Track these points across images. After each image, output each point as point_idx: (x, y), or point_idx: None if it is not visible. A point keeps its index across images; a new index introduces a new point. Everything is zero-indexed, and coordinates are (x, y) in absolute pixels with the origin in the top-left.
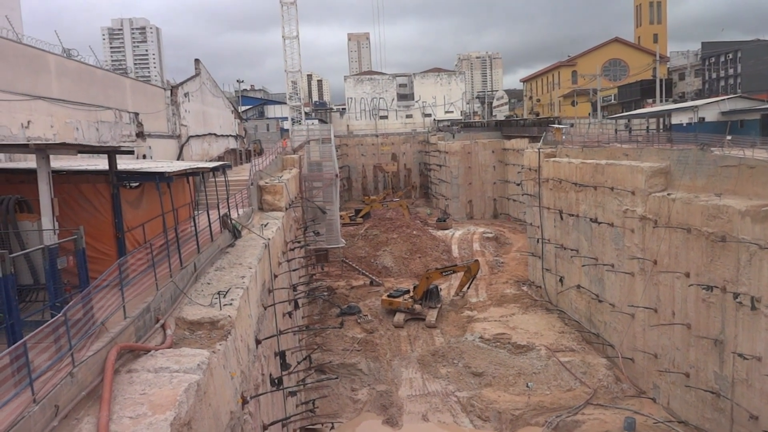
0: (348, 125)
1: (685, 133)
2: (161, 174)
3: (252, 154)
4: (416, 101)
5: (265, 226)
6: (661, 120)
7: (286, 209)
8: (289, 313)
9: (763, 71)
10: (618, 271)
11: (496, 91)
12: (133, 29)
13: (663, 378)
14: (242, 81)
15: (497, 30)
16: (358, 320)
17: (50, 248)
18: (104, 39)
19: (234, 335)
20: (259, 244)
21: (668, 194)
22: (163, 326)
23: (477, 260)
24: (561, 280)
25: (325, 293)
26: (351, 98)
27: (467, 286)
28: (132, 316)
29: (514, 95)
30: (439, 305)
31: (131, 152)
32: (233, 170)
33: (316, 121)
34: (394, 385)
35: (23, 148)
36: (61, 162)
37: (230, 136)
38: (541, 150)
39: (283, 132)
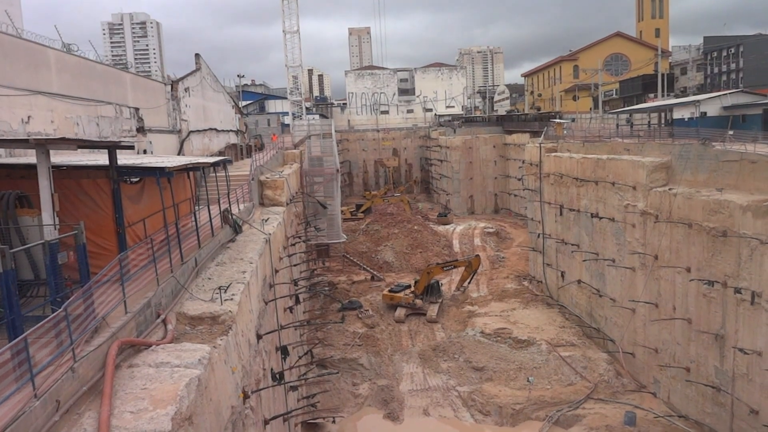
0: (349, 120)
1: (686, 128)
2: (162, 169)
3: (253, 149)
4: (417, 96)
5: (266, 221)
6: (663, 115)
7: (287, 204)
8: (290, 308)
9: (765, 66)
10: (619, 266)
11: (498, 85)
12: (133, 24)
13: (663, 373)
14: (243, 76)
15: (504, 23)
16: (359, 315)
17: (51, 243)
18: (104, 34)
19: (235, 330)
20: (260, 239)
21: (669, 189)
22: (164, 321)
23: (478, 255)
24: (562, 275)
25: (326, 288)
26: (352, 93)
27: (468, 281)
28: (133, 311)
29: (516, 90)
30: (440, 300)
31: (132, 147)
32: (234, 165)
33: (317, 116)
34: (395, 379)
35: (23, 143)
36: (61, 157)
37: (231, 131)
38: (542, 145)
39: (284, 127)
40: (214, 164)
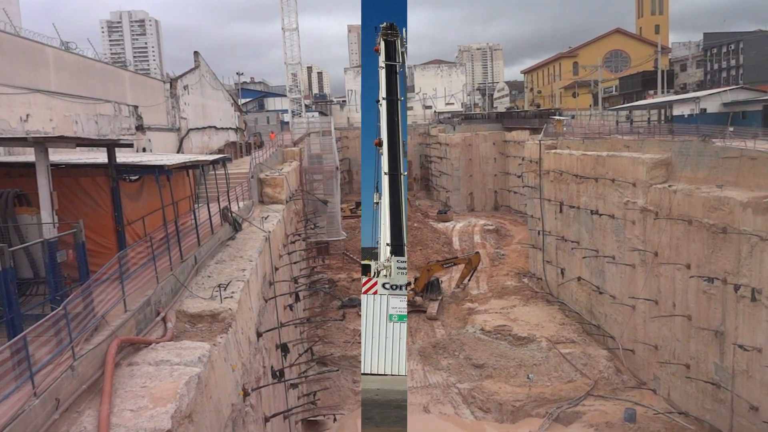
0: (348, 117)
1: (686, 125)
2: (161, 167)
3: (252, 147)
4: (417, 93)
5: (266, 218)
6: (663, 111)
7: (287, 202)
8: (290, 306)
9: (765, 62)
10: (619, 262)
11: (497, 82)
12: (132, 22)
13: (663, 369)
14: (242, 73)
15: (504, 20)
16: (360, 312)
17: (50, 242)
18: (103, 32)
19: (235, 328)
20: (259, 237)
21: (669, 186)
22: (163, 319)
23: (478, 252)
24: (562, 272)
25: (326, 286)
26: (351, 90)
27: (468, 278)
28: (132, 309)
29: (515, 87)
30: (440, 297)
31: (131, 145)
32: (233, 163)
33: (316, 114)
34: None
35: (22, 141)
36: (60, 155)
37: (230, 128)
38: (542, 142)
39: (283, 124)
40: (214, 162)
